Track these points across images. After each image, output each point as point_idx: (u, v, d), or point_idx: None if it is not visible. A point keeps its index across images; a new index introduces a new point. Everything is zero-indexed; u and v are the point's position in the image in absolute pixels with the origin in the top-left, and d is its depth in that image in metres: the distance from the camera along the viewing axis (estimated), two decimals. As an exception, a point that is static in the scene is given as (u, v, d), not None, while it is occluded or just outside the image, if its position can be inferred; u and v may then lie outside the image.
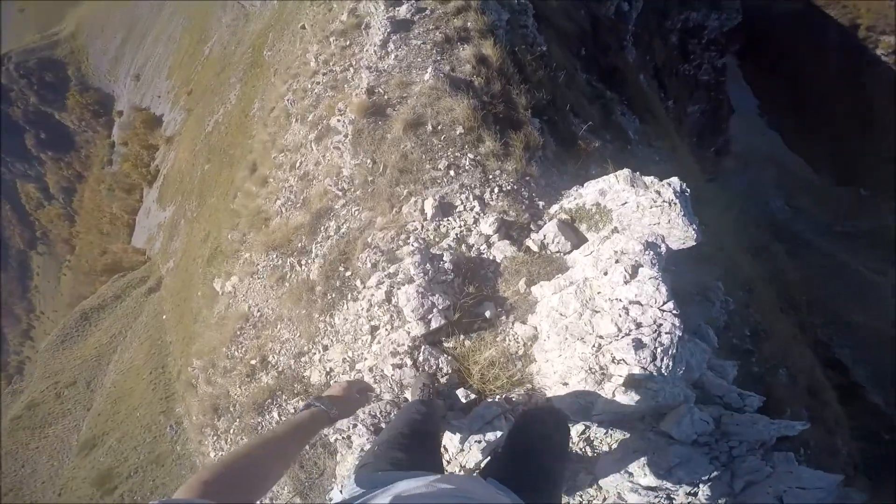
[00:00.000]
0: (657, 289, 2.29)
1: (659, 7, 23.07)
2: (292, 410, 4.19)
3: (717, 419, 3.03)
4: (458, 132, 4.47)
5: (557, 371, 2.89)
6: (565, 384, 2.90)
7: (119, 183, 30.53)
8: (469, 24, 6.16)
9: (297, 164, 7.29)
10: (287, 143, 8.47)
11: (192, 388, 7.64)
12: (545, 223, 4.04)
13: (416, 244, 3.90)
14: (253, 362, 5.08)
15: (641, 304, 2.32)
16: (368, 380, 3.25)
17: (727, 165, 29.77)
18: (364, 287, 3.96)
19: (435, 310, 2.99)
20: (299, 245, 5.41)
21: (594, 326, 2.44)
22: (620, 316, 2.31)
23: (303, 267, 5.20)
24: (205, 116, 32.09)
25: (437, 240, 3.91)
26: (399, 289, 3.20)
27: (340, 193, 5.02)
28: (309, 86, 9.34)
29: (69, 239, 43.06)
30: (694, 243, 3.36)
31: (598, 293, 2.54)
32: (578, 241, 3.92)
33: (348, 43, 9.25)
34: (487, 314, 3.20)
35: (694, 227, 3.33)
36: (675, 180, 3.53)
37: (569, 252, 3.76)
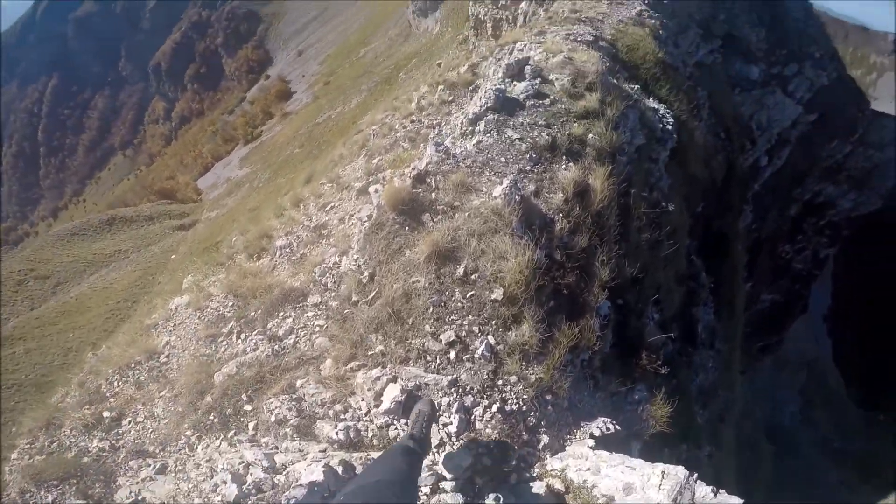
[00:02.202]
0: None
1: (798, 171, 19.56)
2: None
3: None
4: (493, 296, 3.07)
5: None
6: None
7: (224, 131, 32.72)
8: (590, 136, 4.66)
9: (328, 207, 6.20)
10: (342, 175, 7.47)
11: (73, 375, 6.08)
12: (529, 477, 2.50)
13: (342, 434, 2.47)
14: (106, 414, 3.69)
15: None
16: None
17: (764, 362, 26.32)
18: (246, 439, 2.54)
19: None
20: (252, 314, 4.13)
21: None
22: None
23: (234, 344, 3.87)
24: (324, 108, 33.67)
25: (374, 442, 2.45)
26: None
27: (322, 288, 3.73)
28: (397, 126, 8.42)
29: (154, 155, 46.95)
30: None
31: None
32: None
33: (451, 98, 8.21)
34: None
35: None
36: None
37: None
